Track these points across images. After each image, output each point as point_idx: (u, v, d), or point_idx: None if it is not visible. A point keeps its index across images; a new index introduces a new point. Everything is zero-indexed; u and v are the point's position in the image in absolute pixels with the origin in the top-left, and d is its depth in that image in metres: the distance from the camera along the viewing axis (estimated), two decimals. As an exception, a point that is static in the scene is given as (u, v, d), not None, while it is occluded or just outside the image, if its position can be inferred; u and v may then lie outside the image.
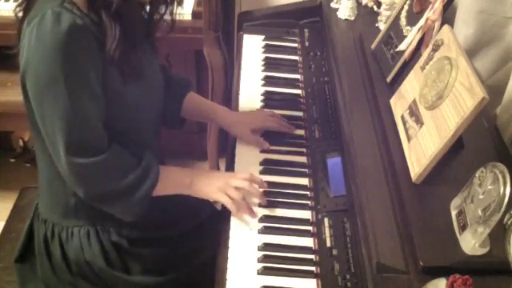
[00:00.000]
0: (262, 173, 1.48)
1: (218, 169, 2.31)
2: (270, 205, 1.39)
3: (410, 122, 1.29)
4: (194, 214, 1.54)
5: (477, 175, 1.09)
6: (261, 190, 1.40)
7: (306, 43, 1.93)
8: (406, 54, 1.46)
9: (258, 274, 1.24)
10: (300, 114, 1.67)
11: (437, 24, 1.38)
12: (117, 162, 1.28)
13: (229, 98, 1.95)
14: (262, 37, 1.98)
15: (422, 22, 1.44)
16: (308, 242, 1.31)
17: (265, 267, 1.25)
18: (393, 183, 1.23)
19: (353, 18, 1.84)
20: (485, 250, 1.07)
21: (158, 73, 1.44)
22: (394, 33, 1.56)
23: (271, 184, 1.44)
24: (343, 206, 1.33)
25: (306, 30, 1.98)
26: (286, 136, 1.60)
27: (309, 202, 1.41)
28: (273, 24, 2.01)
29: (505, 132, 1.36)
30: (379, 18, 1.77)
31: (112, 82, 1.24)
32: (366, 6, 1.87)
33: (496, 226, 1.03)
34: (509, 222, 1.08)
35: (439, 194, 1.18)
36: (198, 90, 2.28)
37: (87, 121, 1.22)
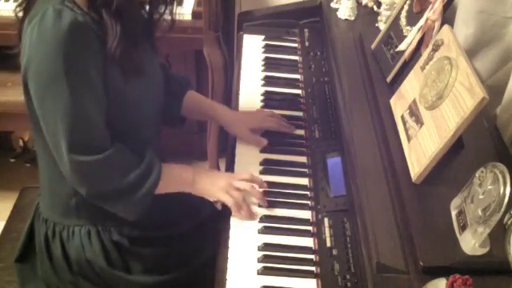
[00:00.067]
0: (262, 173, 1.48)
1: (218, 169, 2.31)
2: (270, 205, 1.39)
3: (410, 121, 1.29)
4: (195, 213, 1.54)
5: (477, 175, 1.09)
6: (261, 190, 1.41)
7: (306, 43, 1.93)
8: (406, 54, 1.46)
9: (258, 273, 1.24)
10: (300, 113, 1.67)
11: (437, 24, 1.38)
12: (119, 160, 1.28)
13: (229, 97, 1.95)
14: (262, 37, 1.98)
15: (421, 21, 1.44)
16: (308, 241, 1.31)
17: (265, 267, 1.25)
18: (393, 183, 1.23)
19: (353, 18, 1.84)
20: (485, 250, 1.07)
21: (158, 70, 1.44)
22: (394, 33, 1.56)
23: (271, 184, 1.44)
24: (343, 206, 1.33)
25: (305, 30, 1.97)
26: (286, 136, 1.60)
27: (309, 202, 1.41)
28: (273, 24, 2.01)
29: (505, 132, 1.36)
30: (379, 18, 1.77)
31: (113, 80, 1.24)
32: (366, 6, 1.87)
33: (496, 226, 1.04)
34: (509, 222, 1.08)
35: (439, 194, 1.18)
36: (198, 90, 2.24)
37: (89, 119, 1.22)
